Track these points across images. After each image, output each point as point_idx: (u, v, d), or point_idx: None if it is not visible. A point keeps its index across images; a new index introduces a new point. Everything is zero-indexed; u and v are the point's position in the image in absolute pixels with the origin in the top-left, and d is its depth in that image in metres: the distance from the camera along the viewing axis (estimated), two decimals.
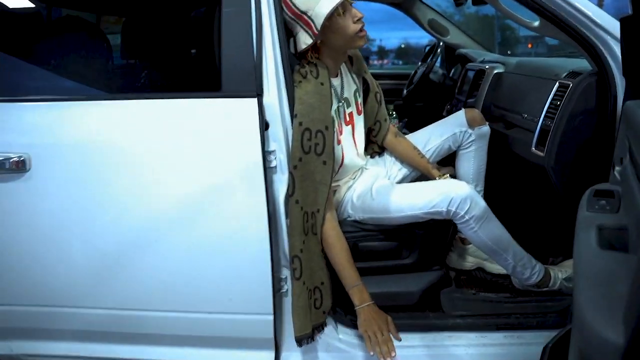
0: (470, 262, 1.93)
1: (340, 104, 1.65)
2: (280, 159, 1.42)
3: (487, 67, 2.26)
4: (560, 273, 1.71)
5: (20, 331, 1.65)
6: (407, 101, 3.13)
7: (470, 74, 2.48)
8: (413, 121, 2.90)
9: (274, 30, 1.40)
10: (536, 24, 1.60)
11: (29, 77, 1.64)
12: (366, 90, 1.80)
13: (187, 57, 1.63)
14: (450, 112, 2.68)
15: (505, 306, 1.70)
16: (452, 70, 3.10)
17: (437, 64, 3.09)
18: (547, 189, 1.68)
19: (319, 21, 1.42)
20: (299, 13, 1.45)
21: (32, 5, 1.69)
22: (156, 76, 1.61)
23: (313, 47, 1.51)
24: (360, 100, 1.75)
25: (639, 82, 1.09)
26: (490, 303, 1.72)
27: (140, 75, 1.66)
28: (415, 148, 1.84)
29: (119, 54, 1.78)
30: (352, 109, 1.70)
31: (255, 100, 1.35)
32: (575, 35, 1.45)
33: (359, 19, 1.49)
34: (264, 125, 1.36)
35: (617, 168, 1.07)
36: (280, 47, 1.41)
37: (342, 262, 1.52)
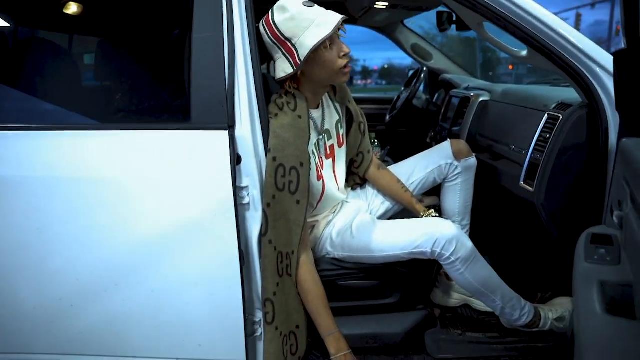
0: (455, 299, 1.84)
1: (321, 137, 1.55)
2: (253, 195, 1.32)
3: (472, 94, 2.20)
4: (550, 313, 1.63)
5: None
6: (390, 127, 3.07)
7: (455, 101, 2.42)
8: (396, 148, 2.83)
9: (247, 58, 1.31)
10: (524, 53, 1.54)
11: None
12: (349, 119, 1.71)
13: (157, 85, 1.52)
14: (434, 139, 2.62)
15: (494, 347, 1.62)
16: (436, 96, 3.05)
17: (421, 89, 3.04)
18: (535, 223, 1.61)
19: (303, 52, 1.33)
20: (283, 39, 1.36)
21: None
22: (126, 105, 1.50)
23: (292, 77, 1.42)
24: (342, 132, 1.66)
25: (634, 118, 1.03)
26: (477, 344, 1.64)
27: (109, 104, 1.55)
28: (398, 181, 1.75)
29: (88, 79, 1.68)
30: (334, 141, 1.61)
31: (226, 132, 1.25)
32: (564, 66, 1.39)
33: (346, 54, 1.40)
34: (236, 159, 1.26)
35: (615, 212, 1.00)
36: (255, 76, 1.32)
37: (317, 309, 1.43)
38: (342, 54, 1.39)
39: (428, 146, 2.67)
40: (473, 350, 1.61)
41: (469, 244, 1.45)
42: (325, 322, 1.42)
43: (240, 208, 1.29)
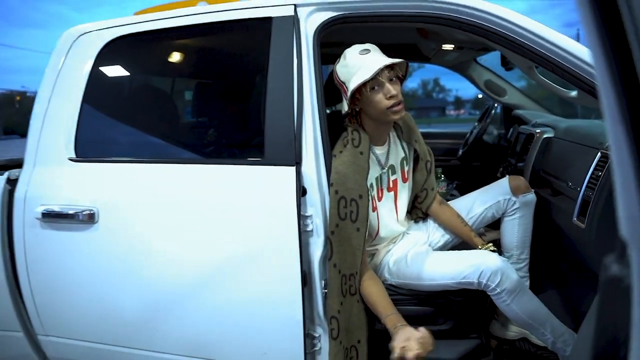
0: (513, 332, 1.89)
1: (384, 171, 1.71)
2: (316, 224, 1.50)
3: (537, 131, 2.25)
4: None
5: None
6: (463, 161, 3.14)
7: (522, 137, 2.47)
8: (468, 182, 2.89)
9: (314, 103, 1.52)
10: (574, 94, 1.61)
11: (104, 140, 1.87)
12: (416, 158, 1.84)
13: (239, 126, 1.78)
14: (503, 174, 2.66)
15: None
16: (510, 131, 3.09)
17: (497, 123, 3.09)
18: (587, 259, 1.64)
19: (349, 93, 1.54)
20: (340, 82, 1.59)
21: (117, 75, 1.94)
22: (205, 142, 1.78)
23: (355, 114, 1.62)
24: (407, 168, 1.80)
25: None
26: None
27: (188, 141, 1.83)
28: (458, 216, 1.85)
29: (183, 118, 1.99)
30: (397, 176, 1.75)
31: (294, 168, 1.46)
32: None
33: (392, 96, 1.55)
34: (301, 191, 1.46)
35: None
36: (320, 119, 1.52)
37: (376, 295, 1.55)
38: (388, 95, 1.54)
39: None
40: None
41: (514, 276, 1.52)
42: (385, 308, 1.53)
43: (304, 234, 1.48)
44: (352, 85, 1.52)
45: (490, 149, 2.99)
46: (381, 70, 1.50)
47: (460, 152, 3.11)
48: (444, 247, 1.88)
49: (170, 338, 1.64)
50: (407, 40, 2.65)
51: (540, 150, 2.16)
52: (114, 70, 1.91)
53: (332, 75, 1.65)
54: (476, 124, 3.20)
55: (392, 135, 1.76)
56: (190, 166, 1.60)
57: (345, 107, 1.59)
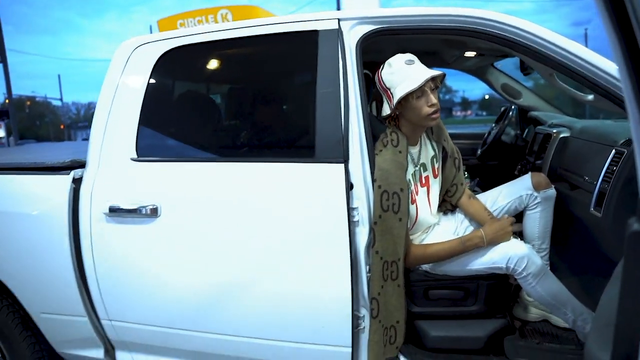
0: (535, 314, 2.05)
1: (417, 168, 1.89)
2: (361, 215, 1.68)
3: (554, 131, 2.42)
4: None
5: (142, 347, 2.00)
6: (481, 160, 3.32)
7: (539, 137, 2.65)
8: (487, 180, 3.07)
9: (359, 108, 1.71)
10: (590, 97, 1.78)
11: (161, 141, 2.06)
12: (445, 156, 2.03)
13: (290, 129, 1.97)
14: (522, 172, 2.84)
15: (570, 357, 1.78)
16: (526, 131, 3.26)
17: (513, 124, 3.27)
18: (604, 246, 1.81)
19: (395, 99, 1.73)
20: (385, 88, 1.78)
21: (174, 82, 2.14)
22: (260, 142, 1.97)
23: (393, 117, 1.81)
24: (437, 165, 1.99)
25: None
26: (553, 353, 1.82)
27: (245, 141, 2.02)
28: (485, 209, 2.02)
29: (228, 120, 2.18)
30: (429, 172, 1.94)
31: (342, 165, 1.65)
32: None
33: (432, 105, 1.75)
34: (349, 186, 1.65)
35: None
36: (364, 121, 1.71)
37: (440, 249, 1.79)
38: (430, 104, 1.74)
39: (516, 178, 2.91)
40: (548, 358, 1.79)
41: (538, 261, 1.71)
42: (452, 246, 1.78)
43: (351, 224, 1.66)
44: (399, 92, 1.71)
45: (508, 148, 3.16)
46: (427, 81, 1.70)
47: (479, 151, 3.29)
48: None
49: (230, 320, 1.83)
50: (429, 48, 2.83)
51: (558, 149, 2.33)
52: (171, 78, 2.11)
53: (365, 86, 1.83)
54: (493, 125, 3.38)
55: (423, 135, 1.95)
56: (247, 164, 1.80)
57: (387, 110, 1.78)
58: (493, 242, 1.75)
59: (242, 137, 2.03)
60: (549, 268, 2.01)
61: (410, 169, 1.86)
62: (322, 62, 1.75)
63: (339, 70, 1.72)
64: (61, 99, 44.96)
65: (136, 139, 1.94)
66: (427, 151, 1.95)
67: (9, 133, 17.69)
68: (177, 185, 1.87)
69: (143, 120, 1.95)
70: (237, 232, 1.76)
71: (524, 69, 2.42)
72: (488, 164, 3.33)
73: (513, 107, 3.17)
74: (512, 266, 1.70)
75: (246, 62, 2.07)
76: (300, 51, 1.87)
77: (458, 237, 1.83)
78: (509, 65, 3.26)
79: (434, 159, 1.98)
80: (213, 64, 2.11)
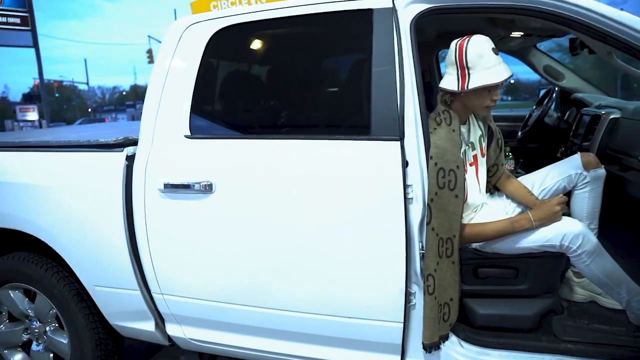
0: (582, 295, 2.04)
1: (467, 147, 1.90)
2: (416, 192, 1.70)
3: (603, 112, 2.39)
4: None
5: (192, 320, 2.06)
6: (522, 143, 3.29)
7: (586, 119, 2.61)
8: (527, 162, 3.05)
9: (414, 86, 1.72)
10: None
11: (213, 120, 2.10)
12: (490, 135, 2.04)
13: (346, 107, 1.99)
14: (564, 154, 2.81)
15: (621, 339, 1.75)
16: (567, 113, 3.22)
17: (552, 107, 3.22)
18: None
19: (475, 83, 1.71)
20: (464, 64, 1.74)
21: (226, 61, 2.17)
22: (317, 120, 1.99)
23: (452, 93, 1.80)
24: (484, 144, 2.00)
25: None
26: (603, 334, 1.80)
27: (302, 120, 2.05)
28: (524, 187, 2.02)
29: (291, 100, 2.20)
30: (477, 151, 1.95)
31: (398, 143, 1.66)
32: None
33: (495, 100, 1.77)
34: (405, 164, 1.66)
35: None
36: (419, 100, 1.71)
37: (490, 229, 1.80)
38: (494, 98, 1.77)
39: (558, 160, 2.87)
40: (599, 338, 1.77)
41: (594, 239, 1.70)
42: (502, 227, 1.79)
43: (406, 201, 1.68)
44: (481, 80, 1.70)
45: (550, 130, 3.12)
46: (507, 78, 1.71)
47: (520, 133, 3.26)
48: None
49: (281, 295, 1.87)
50: (472, 28, 2.79)
51: (607, 130, 2.30)
52: (223, 57, 2.13)
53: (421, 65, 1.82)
54: (534, 107, 3.34)
55: (471, 116, 1.95)
56: (302, 142, 1.82)
57: (453, 85, 1.76)
58: (542, 224, 1.75)
59: (299, 116, 2.05)
60: None
61: (462, 147, 1.86)
62: (377, 40, 1.75)
63: (394, 49, 1.73)
64: (87, 83, 45.60)
65: (189, 117, 1.97)
66: (475, 130, 1.96)
67: (41, 116, 18.12)
68: (231, 162, 1.90)
69: (196, 100, 1.98)
70: (290, 209, 1.79)
71: (573, 49, 2.38)
72: (528, 147, 3.30)
73: (556, 88, 3.12)
74: (566, 244, 1.70)
75: (300, 41, 2.07)
76: (355, 29, 1.87)
77: (507, 217, 1.83)
78: (548, 45, 3.21)
79: (482, 138, 1.98)
80: (266, 43, 2.13)
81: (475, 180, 1.94)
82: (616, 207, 2.09)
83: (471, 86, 1.71)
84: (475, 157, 1.94)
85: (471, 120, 1.95)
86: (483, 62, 1.71)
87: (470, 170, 1.92)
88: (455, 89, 1.75)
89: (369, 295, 1.78)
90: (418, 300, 1.77)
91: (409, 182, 1.69)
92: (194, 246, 1.95)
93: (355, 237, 1.74)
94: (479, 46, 1.73)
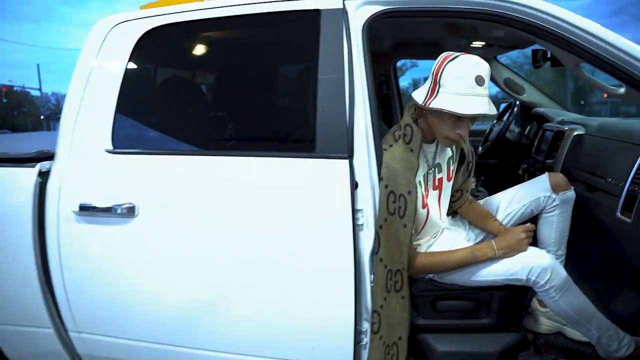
0: (548, 326, 1.90)
1: (431, 170, 1.69)
2: (367, 218, 1.49)
3: (566, 128, 2.26)
4: None
5: None
6: (483, 158, 3.15)
7: (549, 134, 2.49)
8: (488, 179, 2.91)
9: (365, 96, 1.52)
10: (622, 90, 1.62)
11: (141, 133, 1.84)
12: (462, 157, 1.83)
13: (287, 120, 1.77)
14: (527, 172, 2.68)
15: None
16: (528, 128, 3.11)
17: (515, 121, 3.11)
18: (632, 254, 1.65)
19: (435, 104, 1.47)
20: (437, 80, 1.49)
21: (156, 66, 1.92)
22: (255, 134, 1.76)
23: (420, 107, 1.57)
24: (453, 167, 1.78)
25: None
26: None
27: (237, 132, 1.81)
28: (488, 212, 1.86)
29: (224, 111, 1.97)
30: (443, 175, 1.74)
31: (346, 161, 1.46)
32: None
33: (459, 135, 1.53)
34: (354, 185, 1.46)
35: None
36: (371, 113, 1.51)
37: (448, 259, 1.61)
38: (458, 132, 1.52)
39: (520, 178, 2.75)
40: None
41: (563, 273, 1.54)
42: (461, 255, 1.60)
43: (355, 228, 1.47)
44: (444, 103, 1.46)
45: (512, 146, 3.00)
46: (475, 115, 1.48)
47: (481, 149, 3.12)
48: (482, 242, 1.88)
49: (214, 335, 1.63)
50: (431, 37, 2.65)
51: (571, 147, 2.17)
52: (153, 61, 1.89)
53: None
54: (495, 121, 3.22)
55: None
56: (237, 159, 1.59)
57: (421, 97, 1.53)
58: (507, 254, 1.58)
59: (232, 129, 1.81)
60: None
61: (424, 169, 1.66)
62: (325, 45, 1.55)
63: (344, 55, 1.52)
64: (40, 89, 43.92)
65: (112, 128, 1.72)
66: (444, 151, 1.74)
67: None
68: (157, 181, 1.65)
69: (120, 108, 1.72)
70: (224, 236, 1.56)
71: (536, 61, 2.25)
72: (490, 163, 3.16)
73: (517, 102, 3.00)
74: (533, 278, 1.53)
75: (239, 44, 1.85)
76: (300, 32, 1.66)
77: (468, 246, 1.66)
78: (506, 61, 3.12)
79: (451, 160, 1.78)
80: (201, 46, 1.89)
81: (437, 205, 1.75)
82: (582, 231, 1.95)
83: (432, 105, 1.48)
84: (440, 180, 1.74)
85: None
86: (457, 85, 1.45)
87: (433, 195, 1.73)
88: (420, 101, 1.54)
89: (314, 335, 1.56)
90: (369, 339, 1.56)
91: (359, 206, 1.48)
92: (114, 278, 1.69)
93: (299, 268, 1.52)
94: (462, 66, 1.46)
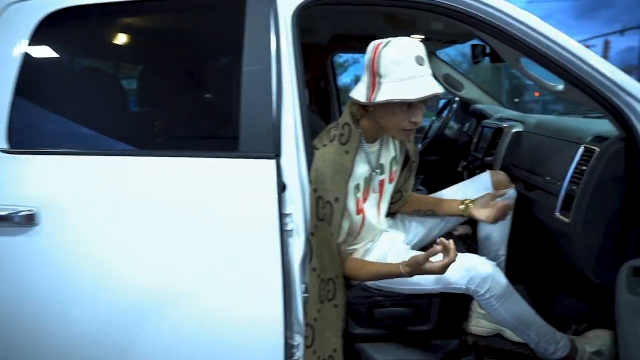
0: (487, 328, 1.86)
1: (375, 172, 1.56)
2: (297, 223, 1.37)
3: (505, 125, 2.23)
4: (587, 346, 1.62)
5: None
6: (422, 155, 3.10)
7: (487, 132, 2.45)
8: (427, 176, 2.85)
9: (295, 90, 1.38)
10: (560, 87, 1.57)
11: (45, 129, 1.63)
12: (406, 158, 1.71)
13: (207, 115, 1.60)
14: (465, 169, 2.64)
15: None
16: (467, 125, 3.08)
17: (454, 118, 3.08)
18: (569, 254, 1.62)
19: (380, 97, 1.34)
20: (375, 71, 1.35)
21: (54, 56, 1.70)
22: (172, 132, 1.59)
23: (363, 105, 1.43)
24: (395, 168, 1.66)
25: None
26: None
27: (151, 131, 1.63)
28: (435, 198, 1.77)
29: (136, 105, 1.78)
30: (385, 176, 1.61)
31: (273, 161, 1.32)
32: (601, 101, 1.42)
33: (414, 122, 1.40)
34: (281, 187, 1.32)
35: None
36: (301, 108, 1.38)
37: (375, 269, 1.48)
38: (412, 119, 1.39)
39: (459, 175, 2.71)
40: None
41: (503, 281, 1.47)
42: (389, 268, 1.43)
43: (284, 234, 1.34)
44: (390, 93, 1.32)
45: (451, 143, 2.97)
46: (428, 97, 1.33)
47: (420, 146, 3.07)
48: (421, 243, 1.80)
49: (131, 358, 1.45)
50: (369, 30, 2.55)
51: (510, 145, 2.13)
52: (55, 49, 1.67)
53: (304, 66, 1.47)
54: (434, 118, 3.18)
55: (386, 134, 1.59)
56: (152, 159, 1.41)
57: (362, 95, 1.39)
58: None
59: (147, 125, 1.63)
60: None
61: (365, 171, 1.52)
62: (250, 33, 1.39)
63: (270, 45, 1.38)
64: None
65: (8, 124, 1.50)
66: (387, 151, 1.61)
67: None
68: (62, 184, 1.44)
69: (17, 101, 1.51)
70: (139, 245, 1.39)
71: (475, 56, 2.20)
72: (429, 160, 3.11)
73: (456, 99, 2.97)
74: (472, 287, 1.45)
75: (155, 31, 1.67)
76: (223, 19, 1.50)
77: (407, 248, 1.56)
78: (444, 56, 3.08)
79: (394, 161, 1.65)
80: (113, 33, 1.69)
81: (376, 208, 1.63)
82: (521, 230, 1.91)
83: (378, 99, 1.34)
84: (382, 182, 1.61)
85: (385, 139, 1.59)
86: (398, 71, 1.31)
87: (373, 197, 1.60)
88: (363, 99, 1.39)
89: (240, 351, 1.42)
90: (302, 353, 1.44)
91: (287, 211, 1.35)
92: (13, 296, 1.47)
93: (223, 279, 1.37)
94: (397, 50, 1.32)
